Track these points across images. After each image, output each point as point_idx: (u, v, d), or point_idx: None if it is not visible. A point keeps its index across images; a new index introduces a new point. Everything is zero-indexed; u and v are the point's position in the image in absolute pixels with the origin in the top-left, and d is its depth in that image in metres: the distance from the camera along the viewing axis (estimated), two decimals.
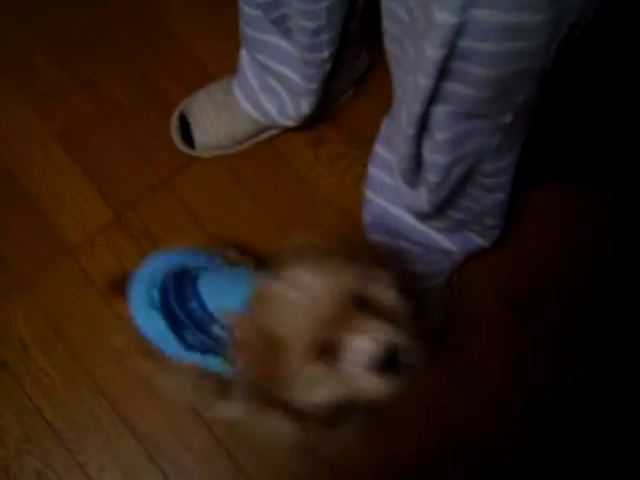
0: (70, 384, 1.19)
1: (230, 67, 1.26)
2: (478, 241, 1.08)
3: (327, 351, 0.66)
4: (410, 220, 1.06)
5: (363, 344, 0.65)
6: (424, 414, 1.15)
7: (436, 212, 0.98)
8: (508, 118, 0.76)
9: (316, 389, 0.68)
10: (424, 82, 0.69)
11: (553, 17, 0.58)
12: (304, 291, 0.66)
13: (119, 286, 0.95)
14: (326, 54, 1.04)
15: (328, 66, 1.07)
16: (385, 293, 0.70)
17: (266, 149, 1.29)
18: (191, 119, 1.26)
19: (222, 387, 0.94)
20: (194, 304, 0.84)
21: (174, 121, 1.28)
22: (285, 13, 0.99)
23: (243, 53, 1.19)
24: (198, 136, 1.26)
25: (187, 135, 1.27)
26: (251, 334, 0.68)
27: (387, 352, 0.65)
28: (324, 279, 0.66)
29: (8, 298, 1.24)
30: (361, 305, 0.67)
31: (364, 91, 1.32)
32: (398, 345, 0.66)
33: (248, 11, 1.04)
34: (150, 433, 1.17)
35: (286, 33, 1.04)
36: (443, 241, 1.08)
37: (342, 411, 0.74)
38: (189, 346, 0.86)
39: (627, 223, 1.24)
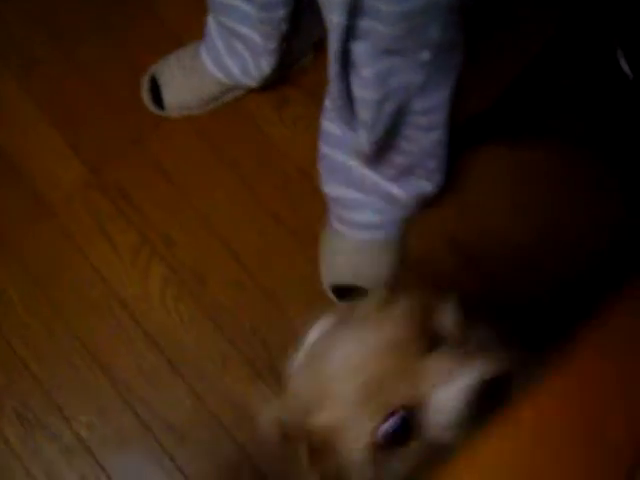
0: (52, 336, 1.27)
1: (200, 35, 1.33)
2: (424, 185, 1.14)
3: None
4: (359, 168, 1.12)
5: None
6: None
7: (379, 156, 1.04)
8: (426, 55, 0.82)
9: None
10: (337, 20, 0.75)
11: None
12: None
13: None
14: (281, 13, 1.11)
15: (284, 26, 1.14)
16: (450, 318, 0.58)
17: (232, 110, 1.36)
18: (161, 81, 1.33)
19: None
20: None
21: (145, 84, 1.35)
22: None
23: (210, 19, 1.26)
24: (167, 97, 1.33)
25: (157, 97, 1.34)
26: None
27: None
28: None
29: None
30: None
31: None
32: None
33: None
34: (125, 379, 1.24)
35: None
36: (391, 188, 1.14)
37: None
38: None
39: (577, 172, 1.30)
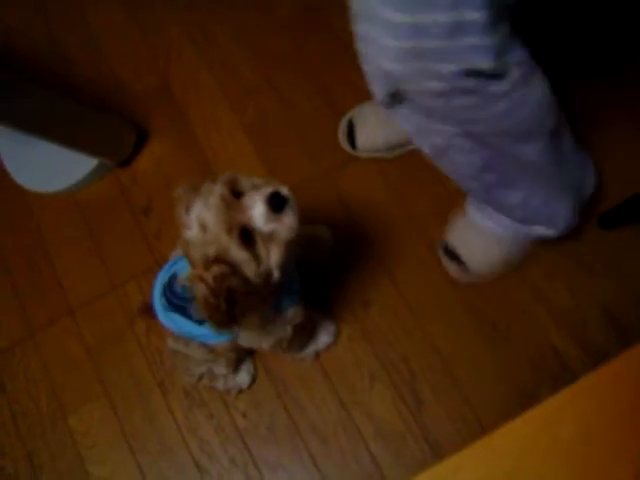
0: None
1: None
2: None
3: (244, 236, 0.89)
4: None
5: (256, 198, 0.89)
6: None
7: None
8: None
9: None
10: None
11: None
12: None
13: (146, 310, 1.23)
14: None
15: None
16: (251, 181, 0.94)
17: (414, 158, 1.51)
18: (356, 125, 1.50)
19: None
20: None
21: (343, 124, 1.52)
22: None
23: None
24: (360, 139, 1.49)
25: (351, 138, 1.51)
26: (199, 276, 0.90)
27: (274, 196, 0.89)
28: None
29: None
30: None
31: None
32: (280, 191, 0.90)
33: None
34: (282, 379, 1.39)
35: None
36: None
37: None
38: (199, 322, 1.08)
39: None
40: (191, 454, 1.37)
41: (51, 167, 1.58)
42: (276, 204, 0.90)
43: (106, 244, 1.55)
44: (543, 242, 1.37)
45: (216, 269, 0.88)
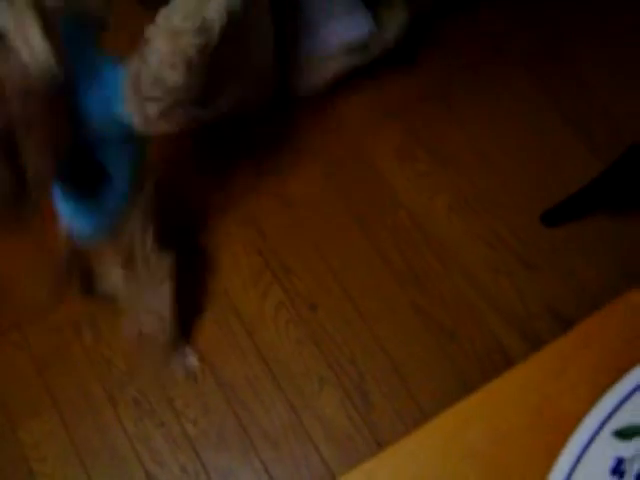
0: None
1: None
2: None
3: None
4: None
5: None
6: None
7: None
8: None
9: None
10: None
11: None
12: None
13: None
14: None
15: None
16: None
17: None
18: None
19: None
20: None
21: None
22: None
23: None
24: None
25: None
26: None
27: None
28: None
29: None
30: None
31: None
32: None
33: None
34: (231, 383, 1.39)
35: None
36: None
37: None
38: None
39: None
40: (142, 464, 1.36)
41: None
42: None
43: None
44: (488, 240, 1.39)
45: None
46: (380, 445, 1.31)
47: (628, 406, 0.55)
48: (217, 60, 0.84)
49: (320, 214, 1.49)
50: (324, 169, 1.52)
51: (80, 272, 1.20)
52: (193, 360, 1.39)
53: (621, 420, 0.55)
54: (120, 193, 1.00)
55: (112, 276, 1.16)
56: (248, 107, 1.49)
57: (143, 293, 1.23)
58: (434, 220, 1.45)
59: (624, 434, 0.55)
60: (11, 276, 1.52)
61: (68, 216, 1.06)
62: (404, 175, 1.49)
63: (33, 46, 0.71)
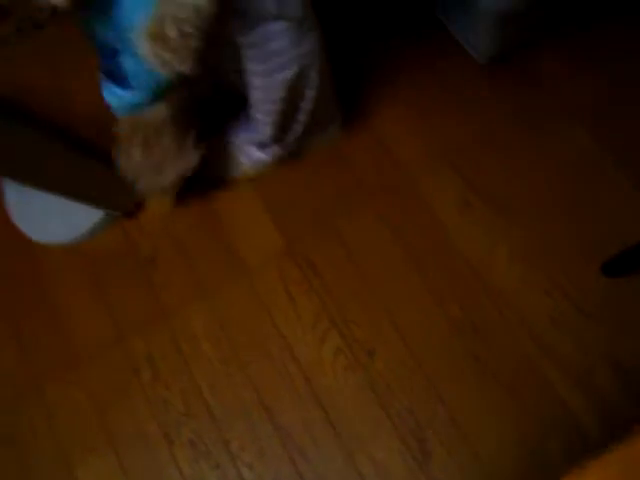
0: (227, 374, 1.45)
1: None
2: None
3: None
4: None
5: None
6: None
7: None
8: None
9: None
10: None
11: None
12: None
13: None
14: None
15: None
16: None
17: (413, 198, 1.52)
18: None
19: None
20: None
21: None
22: None
23: None
24: None
25: None
26: None
27: None
28: None
29: (190, 303, 1.53)
30: None
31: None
32: None
33: None
34: (287, 428, 1.39)
35: None
36: None
37: None
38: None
39: None
40: None
41: (57, 218, 1.60)
42: None
43: (112, 294, 1.56)
44: (547, 289, 1.39)
45: None
46: None
47: None
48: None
49: (377, 259, 1.50)
50: (380, 212, 1.53)
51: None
52: None
53: None
54: (139, 95, 1.21)
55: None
56: (315, 144, 1.57)
57: None
58: (492, 268, 1.45)
59: None
60: (71, 315, 1.55)
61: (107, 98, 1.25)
62: (462, 222, 1.50)
63: None
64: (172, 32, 1.01)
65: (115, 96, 1.23)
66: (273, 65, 1.23)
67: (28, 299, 1.58)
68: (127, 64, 1.15)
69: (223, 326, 1.50)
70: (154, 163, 1.36)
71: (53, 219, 1.61)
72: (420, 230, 1.51)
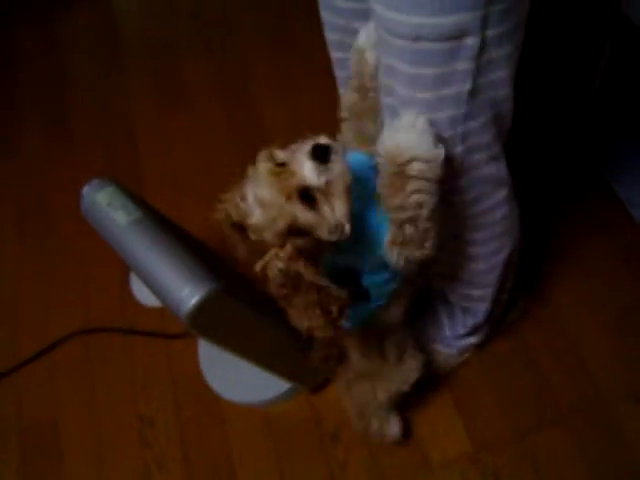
0: None
1: None
2: None
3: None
4: None
5: (300, 157, 0.91)
6: None
7: None
8: None
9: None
10: None
11: None
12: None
13: None
14: None
15: None
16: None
17: None
18: None
19: None
20: None
21: None
22: None
23: None
24: None
25: None
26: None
27: (316, 149, 0.90)
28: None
29: None
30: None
31: None
32: (319, 142, 0.91)
33: None
34: None
35: None
36: None
37: None
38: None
39: None
40: None
41: (246, 381, 1.62)
42: (321, 155, 0.90)
43: (289, 463, 1.57)
44: None
45: (289, 248, 0.92)
46: None
47: None
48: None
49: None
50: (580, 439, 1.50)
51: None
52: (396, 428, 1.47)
53: None
54: (374, 305, 1.22)
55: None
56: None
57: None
58: None
59: None
60: (245, 473, 1.56)
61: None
62: None
63: (335, 208, 0.92)
64: (410, 230, 1.03)
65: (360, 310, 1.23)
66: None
67: (207, 452, 1.61)
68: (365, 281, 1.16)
69: None
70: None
71: (242, 380, 1.63)
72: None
